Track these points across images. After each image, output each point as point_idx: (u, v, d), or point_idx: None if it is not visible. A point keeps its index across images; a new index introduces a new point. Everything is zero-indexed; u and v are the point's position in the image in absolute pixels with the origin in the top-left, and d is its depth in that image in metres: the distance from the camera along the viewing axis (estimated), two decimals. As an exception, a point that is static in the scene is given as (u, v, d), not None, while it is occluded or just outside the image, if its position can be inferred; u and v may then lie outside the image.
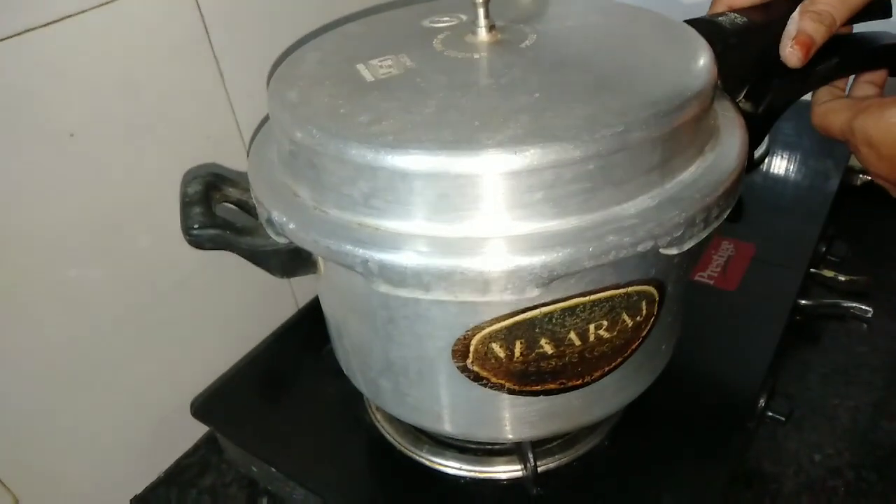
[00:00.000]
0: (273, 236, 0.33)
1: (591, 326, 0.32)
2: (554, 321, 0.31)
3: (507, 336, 0.32)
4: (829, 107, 0.40)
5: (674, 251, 0.29)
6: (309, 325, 0.55)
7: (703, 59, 0.33)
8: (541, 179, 0.28)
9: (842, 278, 0.62)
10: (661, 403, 0.42)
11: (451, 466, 0.42)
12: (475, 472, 0.42)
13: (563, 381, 0.34)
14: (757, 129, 0.41)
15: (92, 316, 0.43)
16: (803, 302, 0.57)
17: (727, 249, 0.56)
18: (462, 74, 0.33)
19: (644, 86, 0.31)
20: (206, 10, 0.44)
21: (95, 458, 0.47)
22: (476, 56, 0.34)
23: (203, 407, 0.49)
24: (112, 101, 0.40)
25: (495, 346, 0.32)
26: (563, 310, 0.31)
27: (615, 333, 0.33)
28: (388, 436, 0.45)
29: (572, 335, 0.32)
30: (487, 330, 0.31)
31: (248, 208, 0.38)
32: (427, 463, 0.43)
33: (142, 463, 0.51)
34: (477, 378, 0.33)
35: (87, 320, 0.43)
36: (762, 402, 0.48)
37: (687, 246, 0.29)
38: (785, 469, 0.50)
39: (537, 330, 0.32)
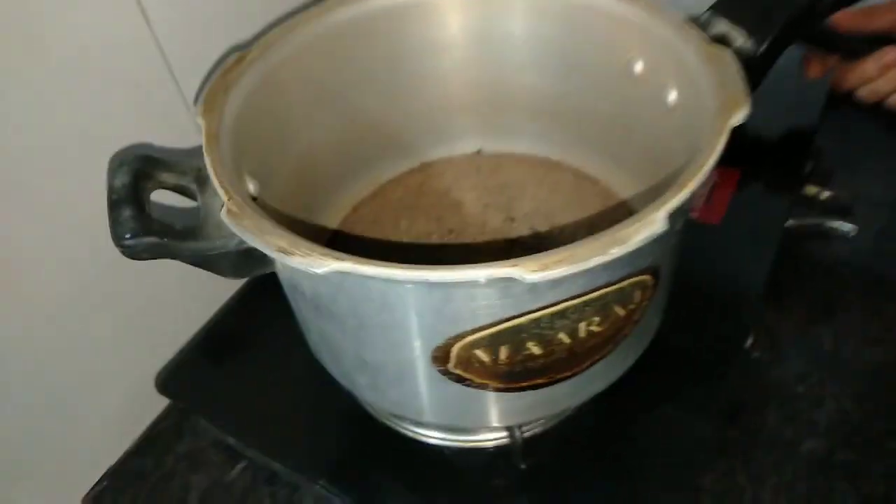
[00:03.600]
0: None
1: (582, 324, 0.29)
2: (542, 325, 0.28)
3: (492, 342, 0.29)
4: None
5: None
6: (277, 283, 0.51)
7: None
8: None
9: (825, 194, 0.60)
10: (647, 351, 0.40)
11: (434, 437, 0.41)
12: (459, 441, 0.41)
13: (552, 375, 0.32)
14: (756, 71, 0.37)
15: (34, 297, 0.39)
16: (787, 223, 0.55)
17: (710, 177, 0.53)
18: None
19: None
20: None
21: (67, 438, 0.45)
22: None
23: (168, 380, 0.47)
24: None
25: (478, 352, 0.29)
26: (552, 314, 0.28)
27: (607, 326, 0.31)
28: (366, 405, 0.43)
29: (561, 335, 0.29)
30: (469, 339, 0.29)
31: (188, 193, 0.33)
32: (408, 434, 0.41)
33: (115, 434, 0.49)
34: (460, 379, 0.31)
35: (30, 302, 0.39)
36: (749, 342, 0.47)
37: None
38: (769, 402, 0.50)
39: (524, 335, 0.29)
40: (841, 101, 0.67)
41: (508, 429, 0.38)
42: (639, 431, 0.41)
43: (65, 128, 0.37)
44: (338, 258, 0.26)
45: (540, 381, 0.32)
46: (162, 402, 0.51)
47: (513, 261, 0.24)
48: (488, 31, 0.42)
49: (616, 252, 0.24)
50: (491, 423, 0.35)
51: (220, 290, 0.51)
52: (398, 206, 0.47)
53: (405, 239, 0.44)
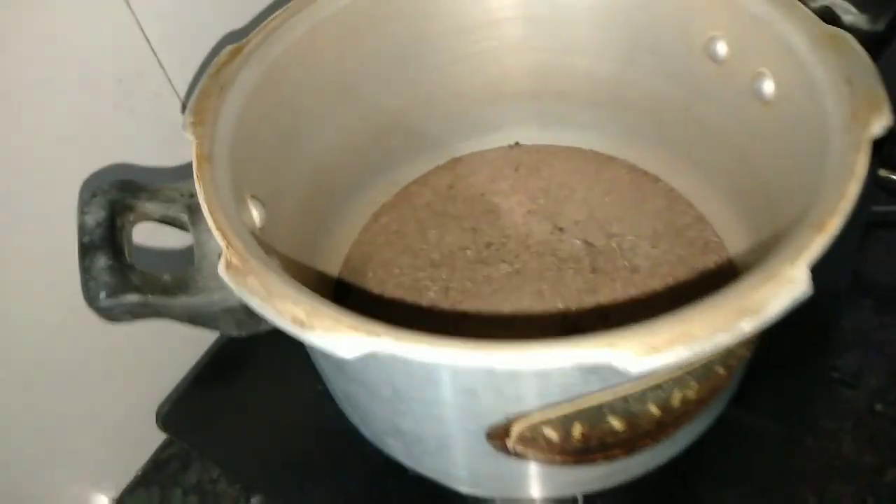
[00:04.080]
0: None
1: (677, 392, 0.23)
2: (629, 400, 0.22)
3: (565, 420, 0.23)
4: None
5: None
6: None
7: None
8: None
9: (894, 177, 0.53)
10: None
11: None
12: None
13: (631, 447, 0.26)
14: (871, 49, 0.30)
15: (25, 325, 0.34)
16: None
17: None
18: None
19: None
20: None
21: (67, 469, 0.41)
22: None
23: (170, 415, 0.41)
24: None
25: (546, 430, 0.23)
26: (645, 388, 0.22)
27: (705, 390, 0.25)
28: (393, 447, 0.37)
29: (651, 407, 0.23)
30: (537, 418, 0.23)
31: (178, 224, 0.27)
32: (448, 484, 0.36)
33: (120, 462, 0.44)
34: (520, 455, 0.25)
35: (22, 330, 0.34)
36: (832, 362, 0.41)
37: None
38: (843, 423, 0.44)
39: (605, 410, 0.23)
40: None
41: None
42: (702, 465, 0.35)
43: (31, 133, 0.31)
44: (371, 332, 0.19)
45: (616, 452, 0.26)
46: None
47: (608, 338, 0.18)
48: (539, 4, 0.35)
49: (747, 327, 0.18)
50: (550, 495, 0.29)
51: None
52: (425, 214, 0.40)
53: (435, 255, 0.38)
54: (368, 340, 0.19)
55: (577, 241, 0.37)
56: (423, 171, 0.42)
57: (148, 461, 0.46)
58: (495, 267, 0.37)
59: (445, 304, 0.36)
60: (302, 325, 0.20)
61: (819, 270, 0.39)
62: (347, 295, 0.37)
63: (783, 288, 0.19)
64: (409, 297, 0.36)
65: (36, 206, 0.31)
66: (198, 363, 0.44)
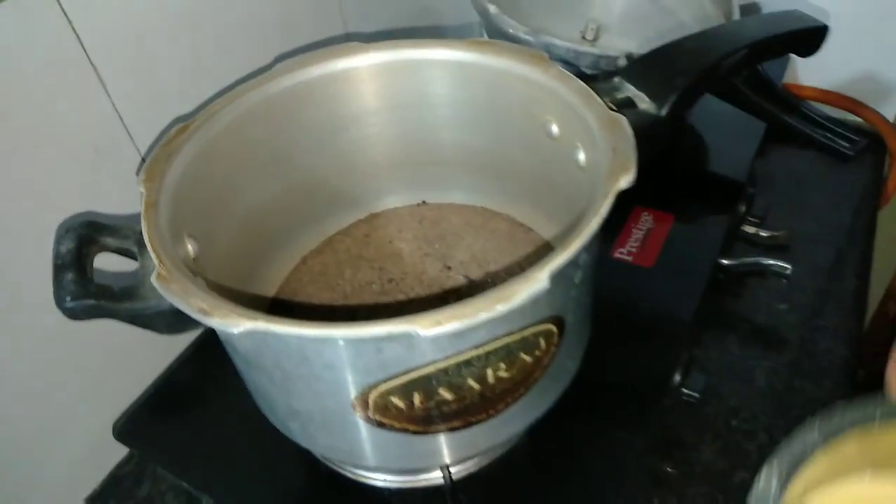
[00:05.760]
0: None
1: (489, 371, 0.32)
2: (450, 373, 0.31)
3: (405, 390, 0.31)
4: None
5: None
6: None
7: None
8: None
9: (763, 234, 0.63)
10: (576, 390, 0.42)
11: (377, 479, 0.43)
12: (400, 482, 0.43)
13: (467, 418, 0.34)
14: (663, 129, 0.40)
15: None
16: (725, 262, 0.58)
17: (646, 221, 0.56)
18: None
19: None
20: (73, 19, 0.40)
21: (27, 487, 0.47)
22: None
23: (125, 428, 0.49)
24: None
25: (394, 399, 0.32)
26: (458, 363, 0.31)
27: (515, 371, 0.33)
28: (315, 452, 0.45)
29: (470, 381, 0.32)
30: (383, 387, 0.31)
31: (129, 254, 0.36)
32: (351, 476, 0.43)
33: (76, 481, 0.50)
34: (381, 425, 0.33)
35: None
36: (677, 378, 0.49)
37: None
38: (702, 436, 0.52)
39: (434, 382, 0.31)
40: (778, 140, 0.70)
41: (442, 469, 0.41)
42: (570, 469, 0.43)
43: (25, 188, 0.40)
44: (251, 318, 0.28)
45: (456, 423, 0.34)
46: (123, 449, 0.53)
47: (409, 318, 0.27)
48: (407, 96, 0.45)
49: (501, 308, 0.27)
50: (418, 464, 0.37)
51: (177, 339, 0.53)
52: (345, 257, 0.49)
53: (348, 288, 0.47)
54: (249, 323, 0.28)
55: (461, 277, 0.46)
56: (346, 224, 0.52)
57: (104, 479, 0.52)
58: (394, 297, 0.46)
59: (351, 326, 0.44)
60: (205, 313, 0.29)
61: (668, 313, 0.48)
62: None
63: (529, 285, 0.28)
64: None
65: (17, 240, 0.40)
66: (151, 385, 0.52)
